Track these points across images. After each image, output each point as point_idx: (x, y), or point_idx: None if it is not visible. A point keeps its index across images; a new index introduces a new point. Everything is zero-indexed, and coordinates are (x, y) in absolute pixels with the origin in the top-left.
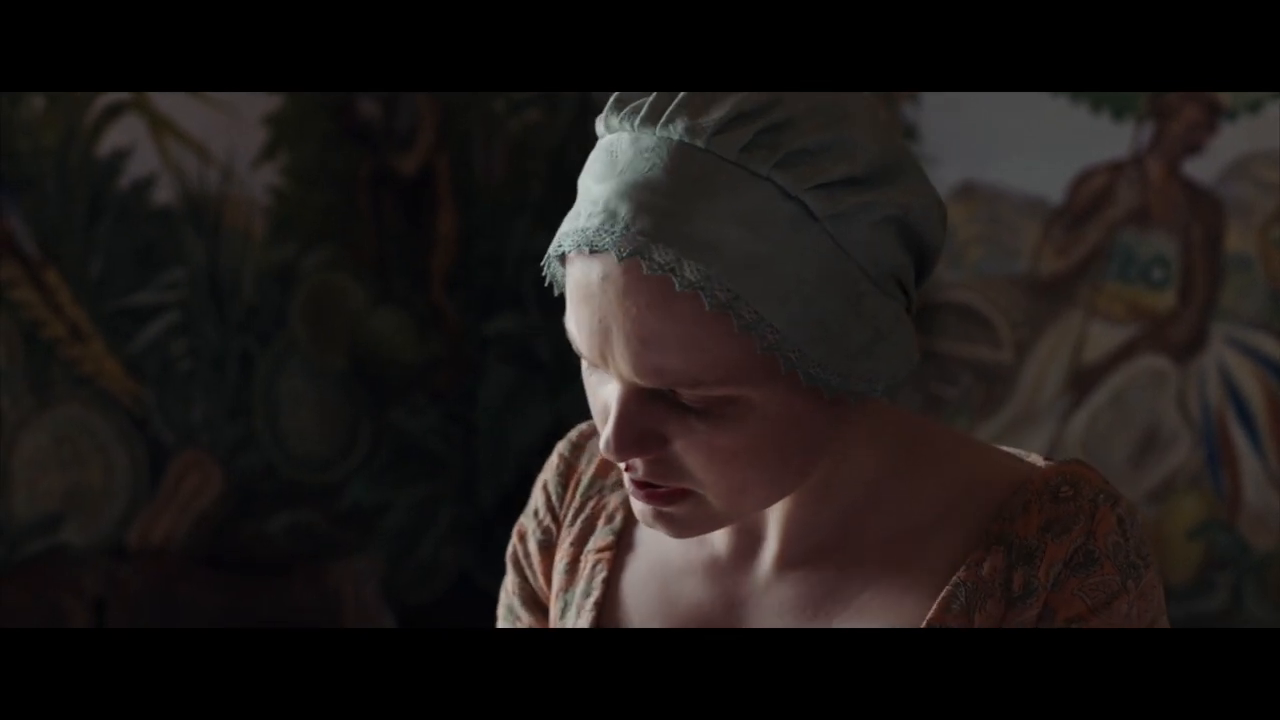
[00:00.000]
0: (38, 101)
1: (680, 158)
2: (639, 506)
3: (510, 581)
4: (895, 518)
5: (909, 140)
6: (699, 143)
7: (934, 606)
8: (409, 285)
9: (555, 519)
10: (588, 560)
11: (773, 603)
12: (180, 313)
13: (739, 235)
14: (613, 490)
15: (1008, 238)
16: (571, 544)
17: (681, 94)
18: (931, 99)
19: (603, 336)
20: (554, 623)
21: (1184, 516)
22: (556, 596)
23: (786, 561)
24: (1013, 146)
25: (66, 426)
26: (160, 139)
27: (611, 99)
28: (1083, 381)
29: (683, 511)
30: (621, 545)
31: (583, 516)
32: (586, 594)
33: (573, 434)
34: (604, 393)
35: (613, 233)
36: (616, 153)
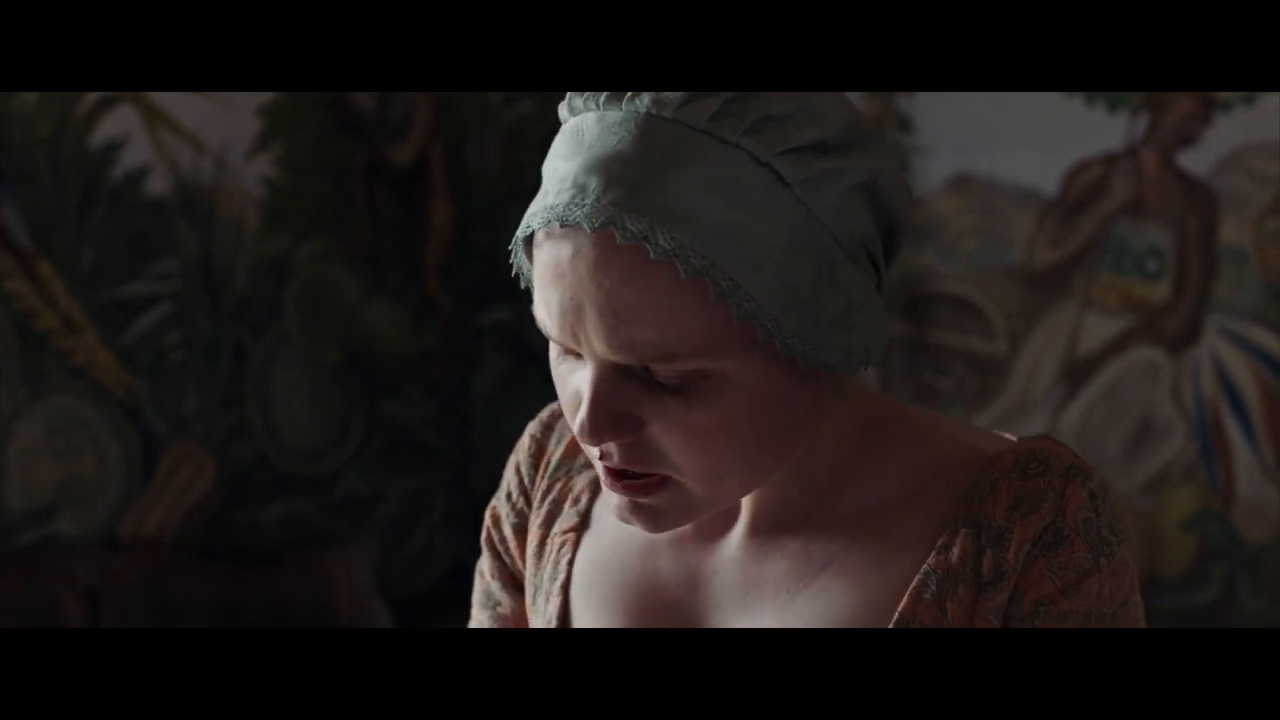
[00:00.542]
0: (31, 92)
1: (649, 129)
2: (616, 500)
3: (487, 565)
4: (864, 496)
5: (904, 132)
6: (666, 114)
7: (905, 597)
8: (403, 276)
9: (528, 500)
10: (554, 542)
11: (736, 579)
12: (173, 304)
13: (711, 203)
14: (580, 472)
15: (1002, 229)
16: (540, 525)
17: None
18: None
19: (575, 315)
20: (528, 606)
21: (1178, 508)
22: (529, 580)
23: (752, 538)
24: (1007, 138)
25: (59, 417)
26: (154, 130)
27: None
28: (1077, 373)
29: (661, 501)
30: (586, 526)
31: (550, 498)
32: (553, 577)
33: (543, 414)
34: (575, 380)
35: (583, 206)
36: (583, 131)
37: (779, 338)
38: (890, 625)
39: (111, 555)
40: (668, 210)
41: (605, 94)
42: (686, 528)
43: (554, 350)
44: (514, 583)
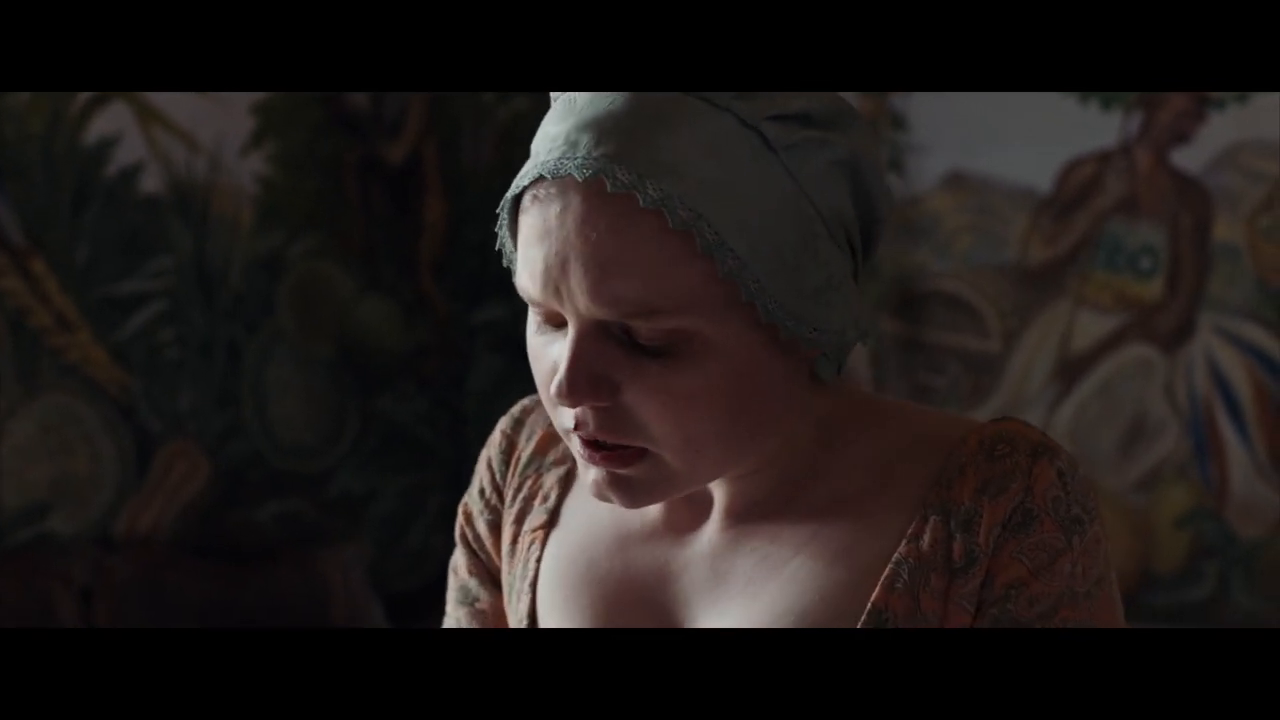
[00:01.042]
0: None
1: (641, 93)
2: (592, 475)
3: (463, 561)
4: (834, 486)
5: (899, 130)
6: None
7: (878, 587)
8: (397, 273)
9: (500, 496)
10: (524, 540)
11: (705, 572)
12: (167, 301)
13: (701, 160)
14: (550, 469)
15: (996, 227)
16: (513, 523)
17: None
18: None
19: (560, 270)
20: (505, 604)
21: (1171, 506)
22: (504, 577)
23: (723, 532)
24: (1001, 136)
25: (53, 415)
26: (147, 127)
27: None
28: (1070, 371)
29: (638, 473)
30: (555, 524)
31: (522, 495)
32: (524, 575)
33: (515, 409)
34: (553, 351)
35: (574, 159)
36: (575, 99)
37: (761, 300)
38: (862, 616)
39: (106, 553)
40: (657, 164)
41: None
42: (657, 522)
43: (532, 323)
44: (491, 578)
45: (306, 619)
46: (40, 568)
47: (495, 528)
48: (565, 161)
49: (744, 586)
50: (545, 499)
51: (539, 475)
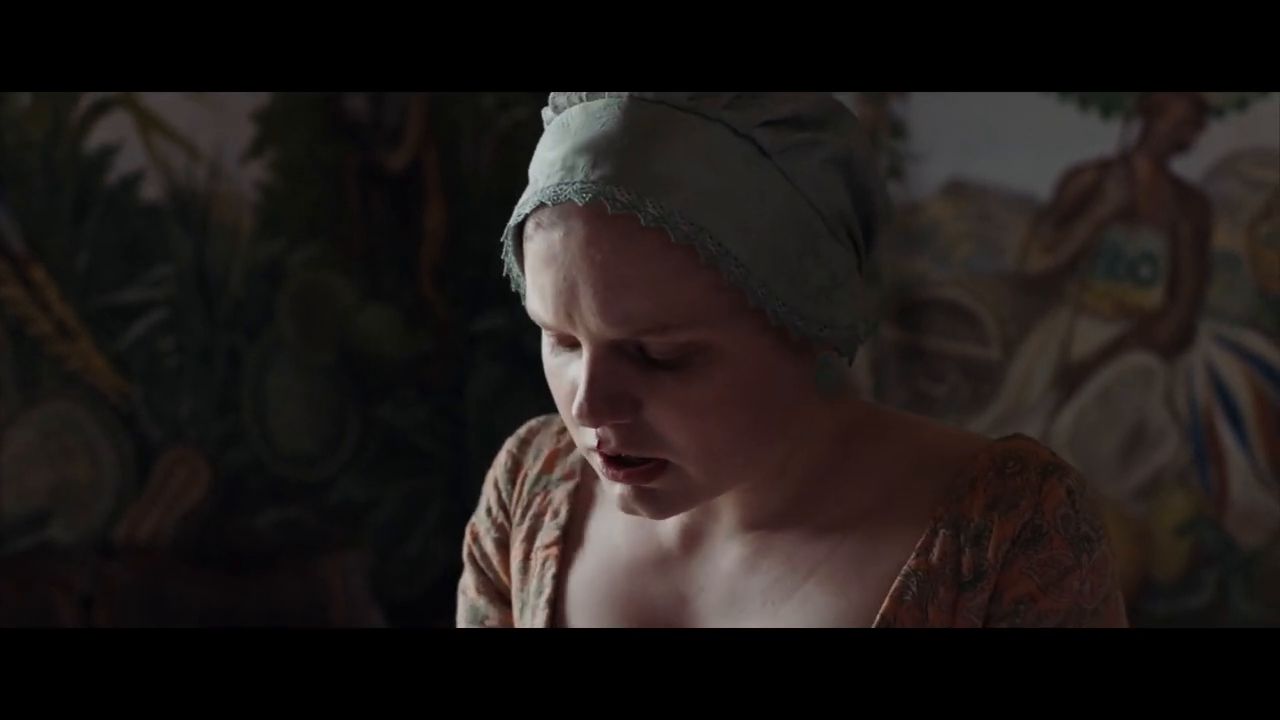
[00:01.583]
0: (24, 96)
1: (632, 110)
2: (616, 490)
3: (471, 582)
4: (845, 502)
5: (898, 138)
6: (649, 96)
7: (886, 599)
8: (397, 280)
9: (507, 515)
10: (538, 557)
11: (722, 593)
12: (168, 309)
13: (697, 172)
14: (558, 485)
15: (995, 235)
16: (523, 541)
17: None
18: (919, 96)
19: (569, 295)
20: (515, 622)
21: (1171, 513)
22: (515, 595)
23: (738, 551)
24: (1001, 143)
25: (54, 423)
26: (147, 135)
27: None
28: (1070, 379)
29: (662, 485)
30: (569, 540)
31: (531, 513)
32: (539, 592)
33: (521, 430)
34: (570, 371)
35: (572, 184)
36: (568, 122)
37: (769, 304)
38: (871, 627)
39: (106, 561)
40: (655, 180)
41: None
42: (669, 546)
43: (547, 345)
44: (500, 597)
45: (307, 626)
46: (40, 575)
47: (503, 546)
48: (564, 187)
49: (760, 607)
50: (556, 515)
51: (547, 492)
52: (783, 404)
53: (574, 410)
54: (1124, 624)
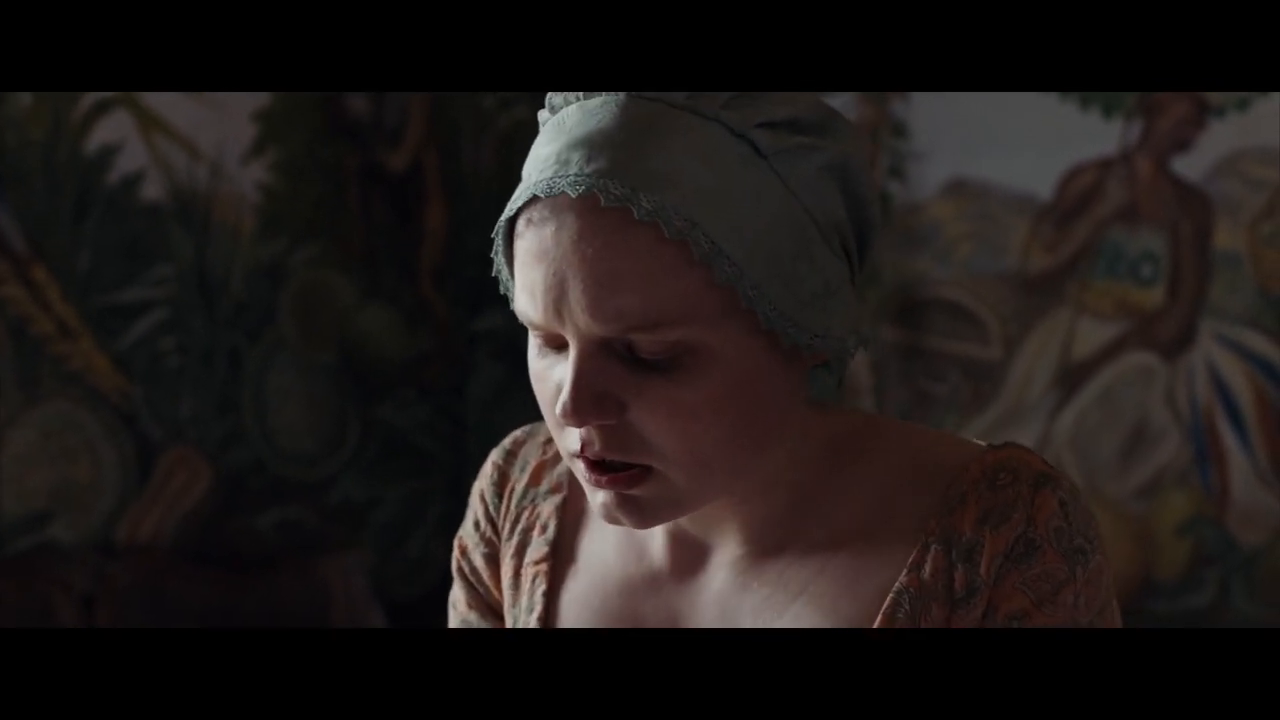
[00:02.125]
0: (25, 97)
1: (629, 107)
2: (600, 499)
3: (461, 596)
4: (835, 518)
5: (899, 138)
6: (647, 94)
7: (879, 617)
8: (398, 280)
9: (495, 529)
10: (528, 574)
11: (714, 614)
12: (169, 309)
13: (693, 169)
14: (545, 498)
15: (996, 234)
16: (513, 556)
17: None
18: (921, 95)
19: (559, 290)
20: None
21: (1172, 513)
22: (507, 611)
23: (729, 570)
24: (1001, 143)
25: (55, 423)
26: (149, 135)
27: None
28: (1071, 378)
29: (646, 493)
30: (558, 556)
31: (520, 527)
32: (530, 609)
33: (506, 442)
34: (555, 374)
35: (566, 176)
36: (564, 119)
37: (760, 306)
38: (869, 629)
39: (107, 561)
40: (650, 175)
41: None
42: (660, 565)
43: (533, 348)
44: (491, 610)
45: (307, 626)
46: (41, 575)
47: (492, 560)
48: (558, 180)
49: (752, 625)
50: (544, 529)
51: (535, 506)
52: (771, 412)
53: (558, 410)
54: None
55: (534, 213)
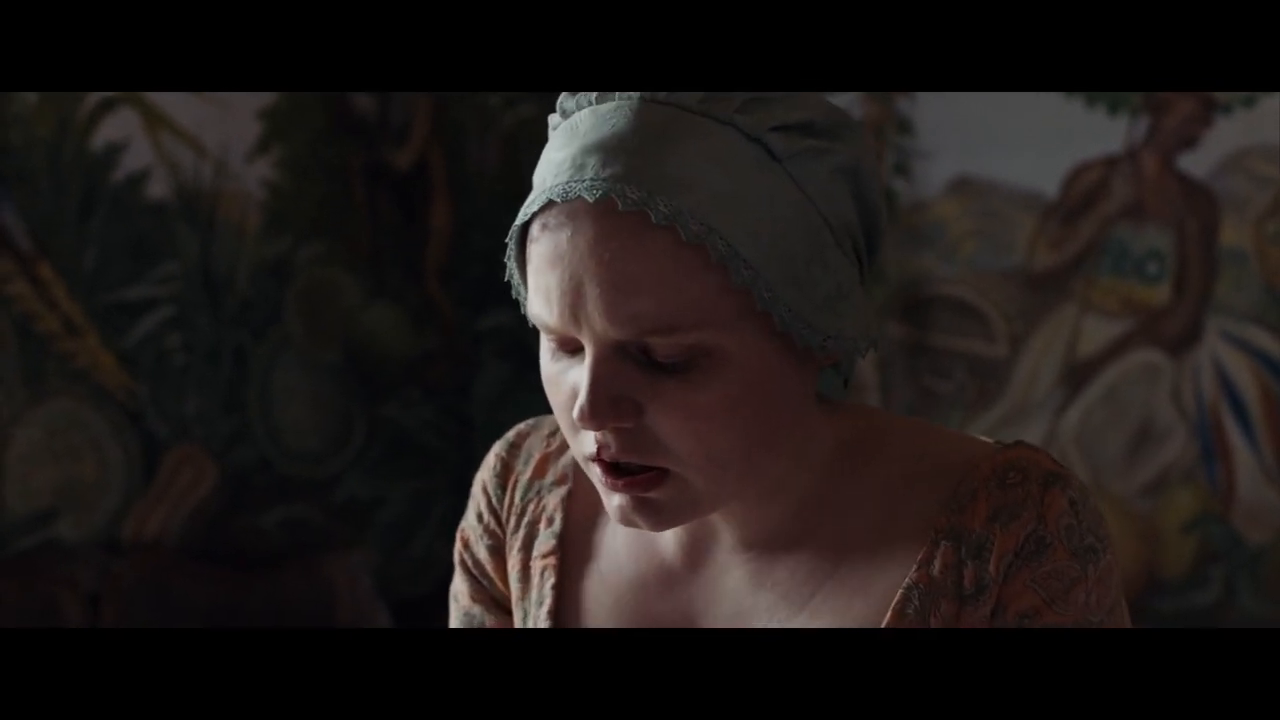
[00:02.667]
0: (30, 94)
1: (643, 112)
2: (615, 502)
3: (464, 589)
4: (847, 515)
5: (904, 135)
6: (660, 98)
7: (889, 613)
8: (403, 279)
9: (499, 521)
10: (536, 566)
11: (728, 611)
12: (174, 307)
13: (708, 173)
14: (550, 490)
15: (1002, 232)
16: (520, 550)
17: None
18: (926, 93)
19: (575, 295)
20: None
21: (1178, 510)
22: (516, 604)
23: (742, 569)
24: (1007, 140)
25: (60, 421)
26: (154, 133)
27: (565, 93)
28: (1077, 376)
29: (662, 496)
30: (567, 550)
31: (526, 520)
32: (539, 603)
33: (510, 434)
34: (570, 377)
35: (582, 181)
36: (577, 124)
37: (775, 309)
38: (878, 629)
39: (112, 559)
40: (665, 179)
41: (597, 93)
42: (672, 562)
43: (546, 352)
44: (496, 604)
45: (312, 624)
46: (47, 573)
47: (496, 552)
48: (574, 184)
49: (765, 624)
50: (550, 522)
51: (540, 497)
52: (785, 413)
53: (575, 414)
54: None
55: (549, 218)
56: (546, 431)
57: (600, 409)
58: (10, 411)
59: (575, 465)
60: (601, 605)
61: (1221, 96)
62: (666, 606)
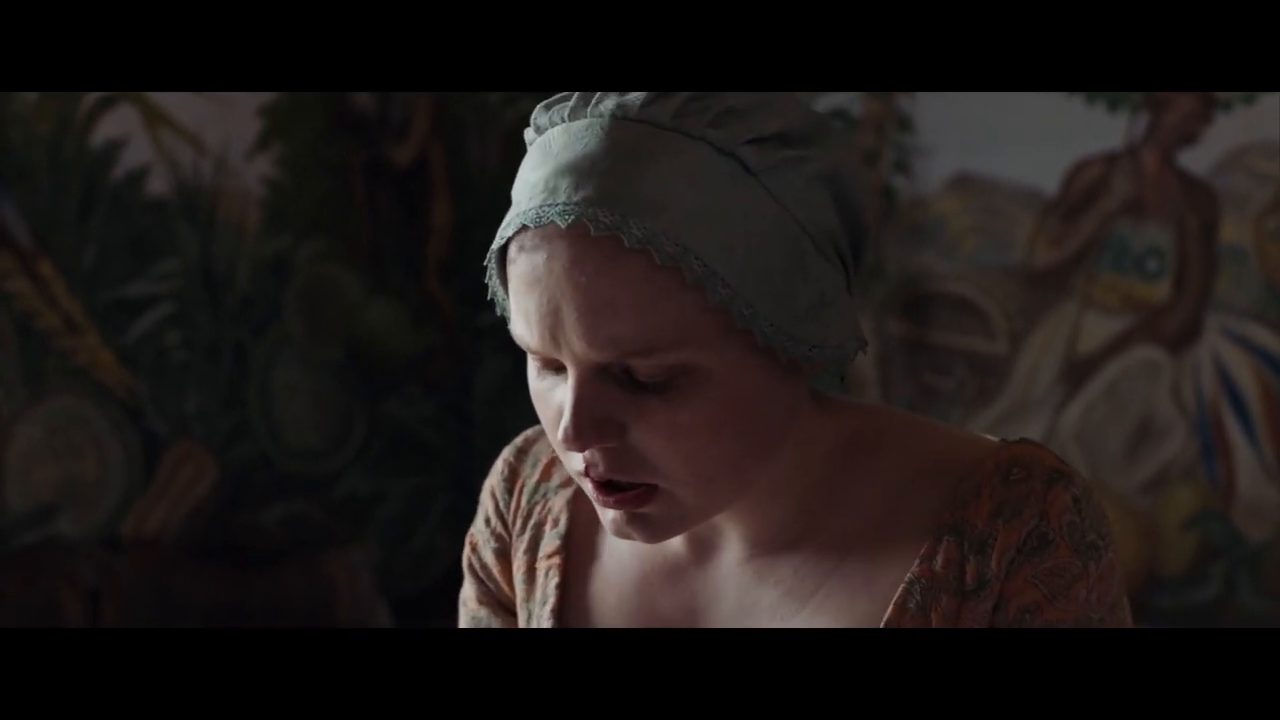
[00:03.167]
0: (30, 92)
1: (615, 130)
2: (609, 516)
3: (472, 592)
4: (850, 512)
5: (904, 132)
6: (631, 115)
7: (890, 607)
8: (403, 276)
9: (505, 525)
10: (541, 567)
11: (732, 608)
12: (174, 304)
13: (681, 192)
14: (556, 492)
15: (1002, 229)
16: (525, 552)
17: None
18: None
19: (553, 318)
20: None
21: (1178, 507)
22: (521, 606)
23: (746, 565)
24: (1007, 137)
25: (60, 418)
26: (154, 130)
27: (539, 106)
28: (1077, 373)
29: (653, 511)
30: (572, 550)
31: (532, 523)
32: (543, 602)
33: (518, 439)
34: (556, 396)
35: (555, 205)
36: (550, 142)
37: (755, 325)
38: (877, 629)
39: (112, 555)
40: (638, 201)
41: (570, 105)
42: (677, 559)
43: (533, 369)
44: (502, 608)
45: (313, 621)
46: (47, 569)
47: (503, 555)
48: (546, 209)
49: (769, 622)
50: (556, 523)
51: (546, 500)
52: (773, 424)
53: (559, 435)
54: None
55: (525, 239)
56: None
57: (584, 431)
58: (10, 409)
59: None
60: (606, 603)
61: (1221, 94)
62: (671, 603)
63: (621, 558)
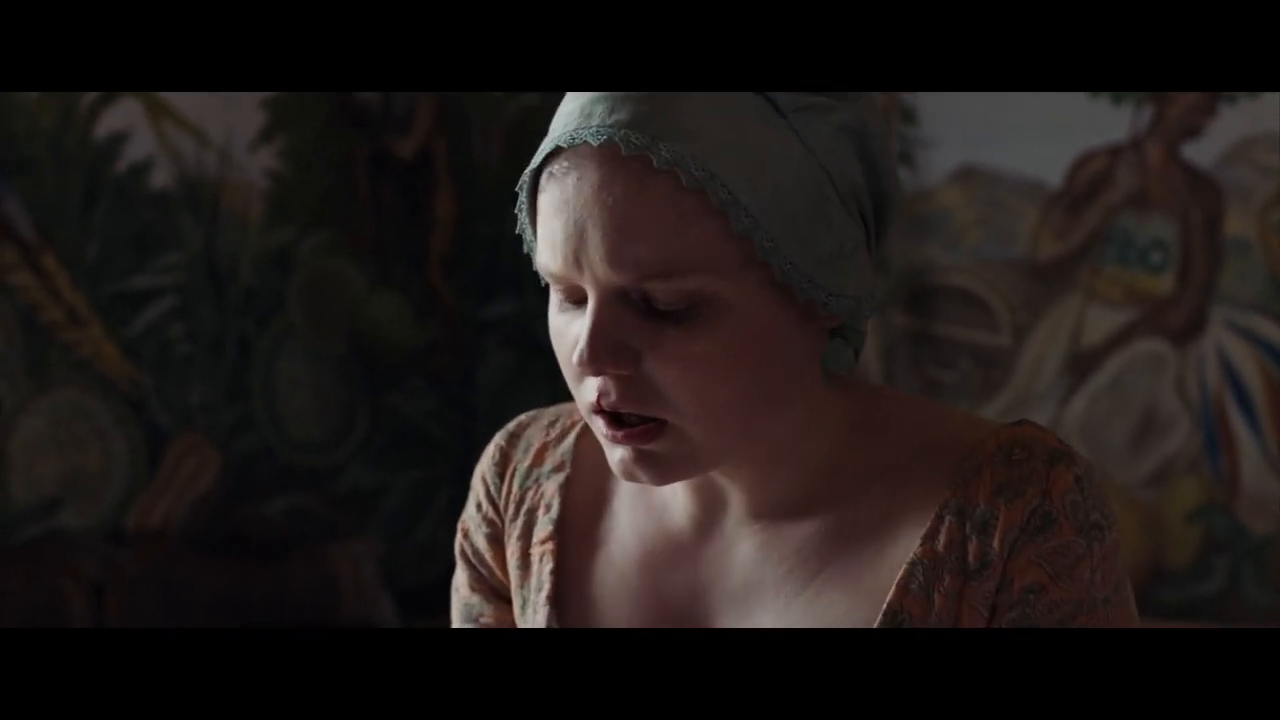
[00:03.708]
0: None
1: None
2: (617, 455)
3: (464, 579)
4: (854, 491)
5: (908, 124)
6: None
7: (893, 588)
8: (407, 269)
9: (497, 510)
10: (535, 553)
11: (735, 585)
12: (178, 296)
13: (713, 124)
14: (549, 477)
15: (1006, 221)
16: (519, 538)
17: None
18: None
19: (578, 239)
20: (516, 619)
21: (1182, 500)
22: (515, 592)
23: (749, 542)
24: (1011, 130)
25: (64, 410)
26: (157, 122)
27: None
28: (1081, 365)
29: (662, 448)
30: (566, 536)
31: (525, 508)
32: (539, 588)
33: (510, 425)
34: (575, 328)
35: (589, 127)
36: None
37: (775, 258)
38: (878, 617)
39: (116, 548)
40: (670, 127)
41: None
42: (681, 538)
43: (553, 303)
44: (495, 593)
45: (316, 614)
46: (51, 562)
47: (495, 541)
48: (580, 131)
49: (773, 599)
50: (548, 508)
51: (539, 485)
52: (785, 370)
53: (575, 358)
54: (1133, 611)
55: (556, 165)
56: (546, 422)
57: (599, 354)
58: (14, 401)
59: (574, 452)
60: (606, 586)
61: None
62: (674, 581)
63: (623, 539)
